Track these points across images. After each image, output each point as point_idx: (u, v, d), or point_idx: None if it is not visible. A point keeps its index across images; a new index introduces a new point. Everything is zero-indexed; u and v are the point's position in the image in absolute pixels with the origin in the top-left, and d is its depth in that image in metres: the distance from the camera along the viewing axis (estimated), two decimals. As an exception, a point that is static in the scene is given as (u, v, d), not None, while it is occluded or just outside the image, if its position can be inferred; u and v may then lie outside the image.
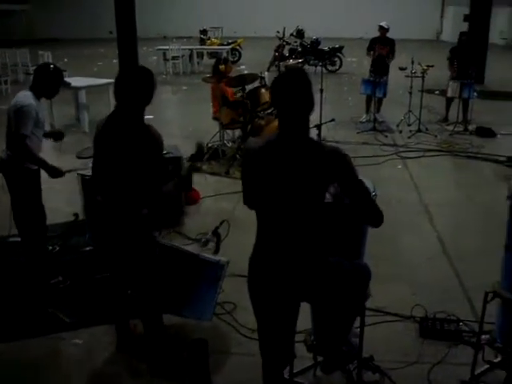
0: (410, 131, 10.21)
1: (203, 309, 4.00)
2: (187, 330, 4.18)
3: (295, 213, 2.68)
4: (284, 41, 17.24)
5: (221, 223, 5.68)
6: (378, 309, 4.40)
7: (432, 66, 10.49)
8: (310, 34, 19.55)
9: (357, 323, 3.30)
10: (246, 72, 10.87)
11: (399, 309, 4.45)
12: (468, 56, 10.79)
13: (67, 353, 4.07)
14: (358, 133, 9.98)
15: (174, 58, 18.11)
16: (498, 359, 3.64)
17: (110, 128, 3.51)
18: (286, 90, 2.65)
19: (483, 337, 3.71)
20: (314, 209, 2.69)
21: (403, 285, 4.90)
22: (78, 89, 10.38)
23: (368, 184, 2.83)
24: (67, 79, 7.48)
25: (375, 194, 3.06)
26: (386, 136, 10.02)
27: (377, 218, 2.75)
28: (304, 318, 3.20)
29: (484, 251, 5.29)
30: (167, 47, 18.14)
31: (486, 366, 3.72)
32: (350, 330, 3.36)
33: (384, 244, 5.59)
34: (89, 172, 4.19)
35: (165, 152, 5.27)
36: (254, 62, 18.19)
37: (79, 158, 5.37)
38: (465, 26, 16.66)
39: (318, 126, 7.51)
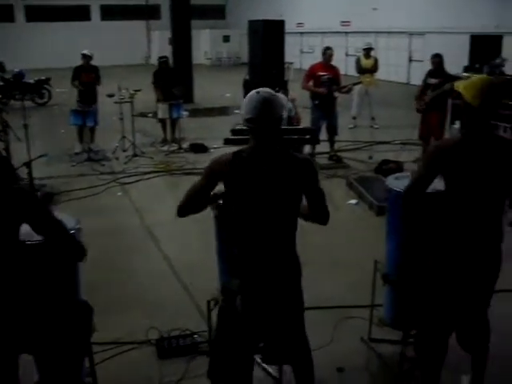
0: (127, 157, 10.26)
1: None
2: None
3: None
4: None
5: None
6: (113, 341, 4.31)
7: (139, 90, 10.69)
8: (12, 66, 18.61)
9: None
10: None
11: (135, 336, 4.41)
12: (170, 78, 11.26)
13: None
14: (73, 166, 9.73)
15: None
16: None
17: None
18: None
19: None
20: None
21: (136, 310, 4.89)
22: None
23: (68, 220, 2.76)
24: None
25: (79, 228, 2.99)
26: (103, 165, 9.89)
27: (78, 254, 2.71)
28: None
29: (207, 262, 5.54)
30: None
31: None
32: (81, 370, 3.25)
33: (112, 273, 5.56)
34: None
35: None
36: None
37: None
38: (170, 49, 17.44)
39: (28, 164, 7.11)
